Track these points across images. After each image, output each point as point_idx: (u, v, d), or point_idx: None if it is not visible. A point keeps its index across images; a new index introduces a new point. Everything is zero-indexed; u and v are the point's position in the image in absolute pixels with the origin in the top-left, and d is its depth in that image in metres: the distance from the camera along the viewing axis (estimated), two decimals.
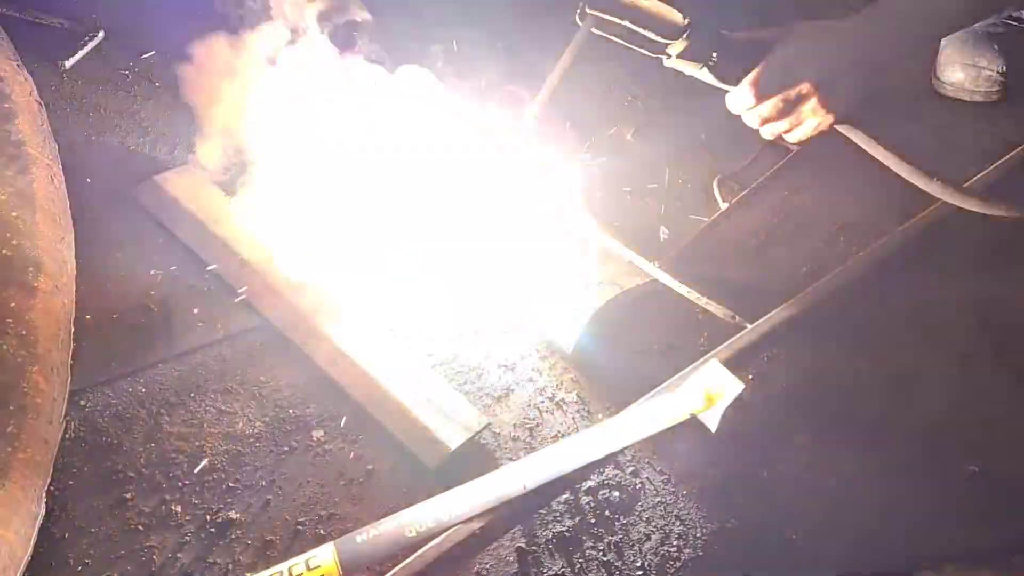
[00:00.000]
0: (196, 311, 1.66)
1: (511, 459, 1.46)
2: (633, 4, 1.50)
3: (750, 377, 1.57)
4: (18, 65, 1.99)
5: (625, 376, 1.56)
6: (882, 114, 1.59)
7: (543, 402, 1.56)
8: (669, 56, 1.53)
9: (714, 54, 1.53)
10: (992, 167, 1.86)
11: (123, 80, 2.16)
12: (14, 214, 1.68)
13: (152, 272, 1.72)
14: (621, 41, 1.54)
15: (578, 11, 1.53)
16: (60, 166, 1.84)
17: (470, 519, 1.32)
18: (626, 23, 1.49)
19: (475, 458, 1.46)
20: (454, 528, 1.30)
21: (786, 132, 1.56)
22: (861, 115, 1.51)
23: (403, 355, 1.58)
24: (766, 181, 1.90)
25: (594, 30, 1.54)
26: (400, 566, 1.26)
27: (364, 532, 1.30)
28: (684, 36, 1.49)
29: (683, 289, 1.66)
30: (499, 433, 1.51)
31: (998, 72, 2.12)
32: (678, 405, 1.44)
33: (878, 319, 1.69)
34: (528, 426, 1.53)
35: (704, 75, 1.56)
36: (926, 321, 1.69)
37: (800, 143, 1.58)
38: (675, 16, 1.51)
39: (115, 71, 2.18)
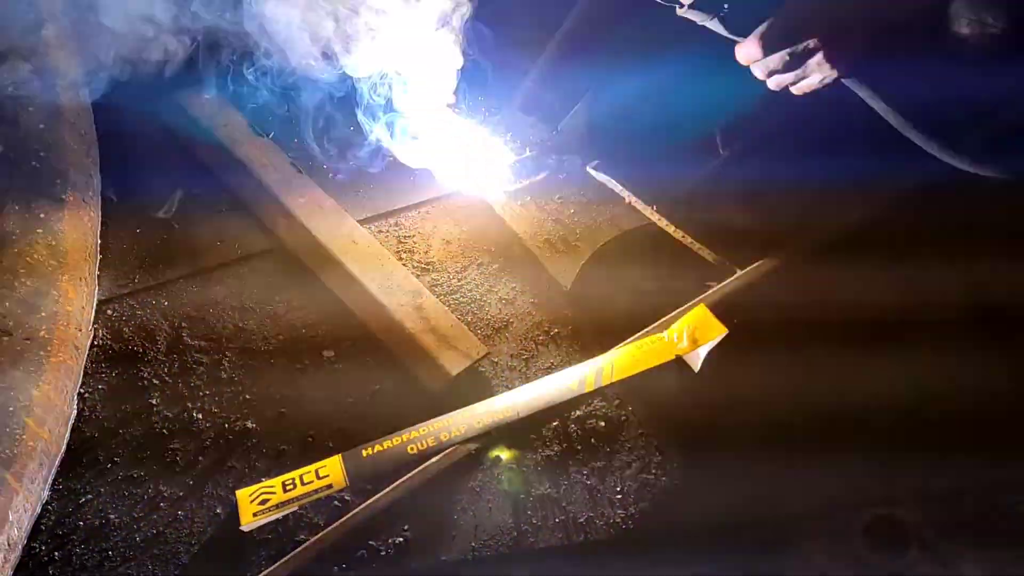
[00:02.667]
0: (215, 231, 1.75)
1: (507, 387, 1.56)
2: None
3: (735, 322, 1.66)
4: None
5: (618, 315, 1.66)
6: (889, 68, 1.63)
7: (539, 335, 1.66)
8: (682, 5, 1.57)
9: (726, 5, 1.56)
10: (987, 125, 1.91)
11: None
12: (40, 126, 1.74)
13: (173, 190, 1.79)
14: None
15: None
16: (86, 83, 1.89)
17: (467, 440, 1.44)
18: None
19: (473, 384, 1.57)
20: (453, 448, 1.43)
21: (792, 84, 1.61)
22: (867, 70, 1.56)
23: (410, 284, 1.67)
24: (767, 132, 1.95)
25: None
26: (402, 479, 1.39)
27: (369, 447, 1.43)
28: None
29: (678, 234, 1.75)
30: (497, 362, 1.62)
31: (1002, 29, 2.15)
32: (664, 345, 1.55)
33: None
34: (524, 357, 1.63)
35: (715, 26, 1.60)
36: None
37: (804, 94, 1.63)
38: None
39: None
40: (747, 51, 1.57)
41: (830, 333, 1.61)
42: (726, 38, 1.62)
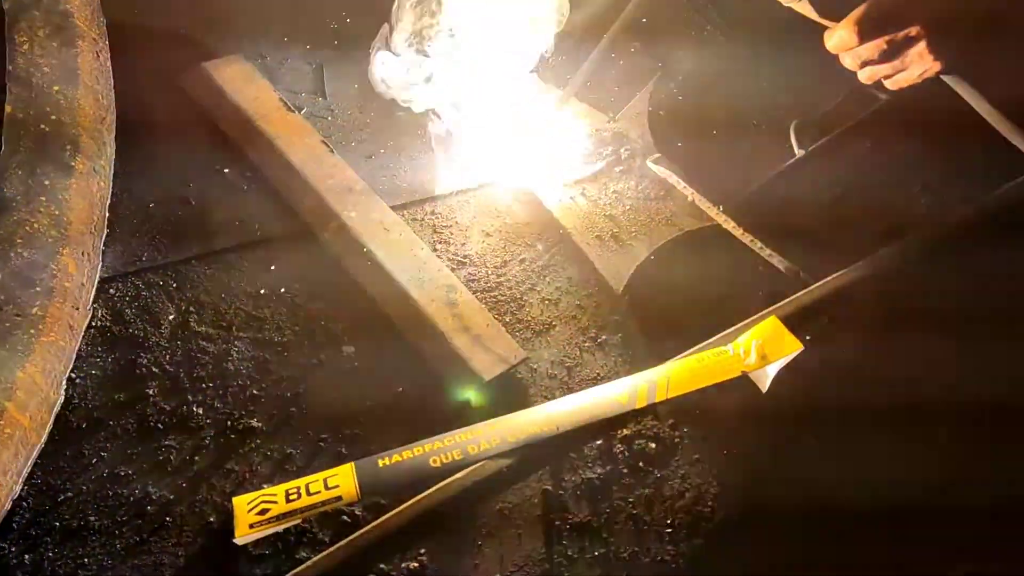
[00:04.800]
0: (235, 210, 1.59)
1: (546, 397, 1.39)
2: None
3: (808, 339, 1.46)
4: None
5: (676, 323, 1.47)
6: (999, 65, 1.44)
7: (585, 342, 1.48)
8: None
9: None
10: None
11: None
12: (55, 88, 1.61)
13: (193, 164, 1.64)
14: None
15: None
16: (107, 43, 1.76)
17: (498, 455, 1.26)
18: None
19: (509, 392, 1.39)
20: (481, 463, 1.25)
21: (886, 77, 1.42)
22: (970, 67, 1.37)
23: (444, 277, 1.50)
24: (849, 130, 1.75)
25: None
26: (420, 496, 1.21)
27: (386, 456, 1.25)
28: None
29: (746, 238, 1.56)
30: (536, 369, 1.44)
31: None
32: (729, 360, 1.36)
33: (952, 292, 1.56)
34: (567, 365, 1.45)
35: (804, 7, 1.42)
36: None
37: (900, 89, 1.44)
38: None
39: None
40: (839, 37, 1.39)
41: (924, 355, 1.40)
42: (814, 22, 1.44)
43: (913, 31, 1.33)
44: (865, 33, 1.36)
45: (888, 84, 1.45)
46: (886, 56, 1.38)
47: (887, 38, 1.35)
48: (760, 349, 1.34)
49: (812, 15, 1.43)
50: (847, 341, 1.46)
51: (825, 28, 1.39)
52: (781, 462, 1.35)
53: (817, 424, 1.38)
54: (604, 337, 1.49)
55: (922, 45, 1.34)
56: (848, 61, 1.42)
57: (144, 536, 1.19)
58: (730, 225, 1.57)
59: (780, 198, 1.67)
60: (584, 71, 1.67)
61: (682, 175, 1.66)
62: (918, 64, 1.37)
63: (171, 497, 1.23)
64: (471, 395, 1.37)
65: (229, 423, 1.32)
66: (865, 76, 1.44)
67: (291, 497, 1.19)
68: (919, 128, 1.74)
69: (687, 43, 1.77)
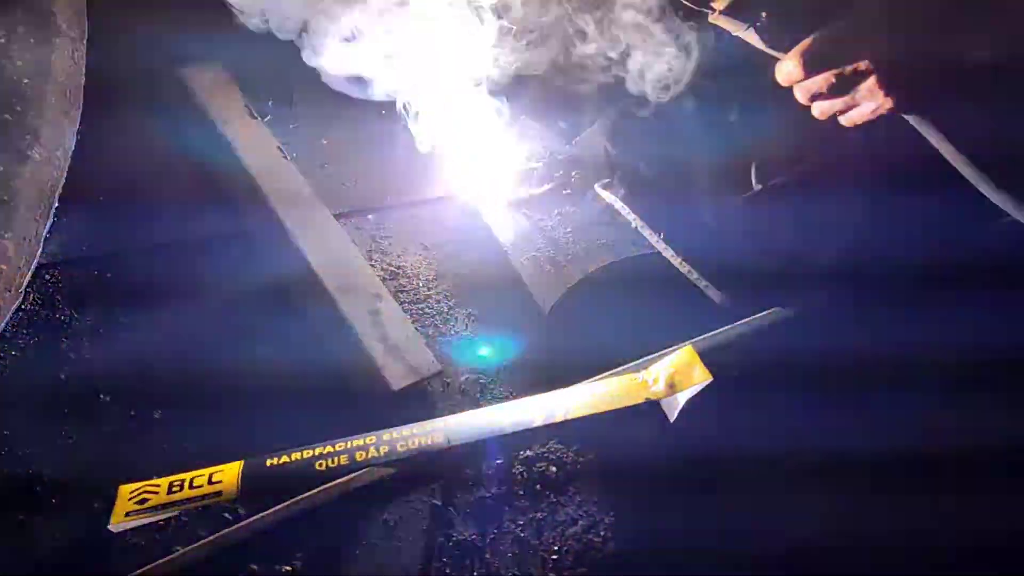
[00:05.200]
0: (184, 207, 1.62)
1: (453, 411, 1.36)
2: None
3: (736, 374, 1.41)
4: None
5: (598, 348, 1.44)
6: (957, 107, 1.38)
7: (504, 359, 1.46)
8: (713, 11, 1.38)
9: (764, 14, 1.36)
10: None
11: None
12: (26, 81, 1.66)
13: (150, 162, 1.68)
14: None
15: None
16: (85, 44, 1.82)
17: (386, 464, 1.24)
18: None
19: (417, 404, 1.38)
20: (365, 470, 1.23)
21: (840, 113, 1.38)
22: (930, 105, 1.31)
23: (373, 285, 1.50)
24: (812, 170, 1.70)
25: None
26: (298, 497, 1.20)
27: (275, 456, 1.25)
28: None
29: (684, 267, 1.53)
30: (449, 383, 1.42)
31: None
32: (636, 386, 1.32)
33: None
34: (482, 382, 1.43)
35: (751, 37, 1.40)
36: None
37: (856, 126, 1.39)
38: None
39: None
40: (786, 70, 1.35)
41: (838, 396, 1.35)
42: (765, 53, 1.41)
43: (861, 65, 1.29)
44: (811, 66, 1.32)
45: (842, 120, 1.40)
46: (835, 91, 1.33)
47: (835, 72, 1.31)
48: (669, 378, 1.31)
49: (761, 46, 1.40)
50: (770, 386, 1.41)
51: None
52: (684, 503, 1.30)
53: (728, 469, 1.32)
54: (525, 356, 1.46)
55: (872, 80, 1.29)
56: (798, 95, 1.39)
57: (25, 517, 1.20)
58: (669, 253, 1.54)
59: (729, 231, 1.63)
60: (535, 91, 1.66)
61: (630, 202, 1.64)
62: (869, 100, 1.33)
63: (62, 480, 1.24)
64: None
65: (134, 412, 1.33)
66: (817, 112, 1.40)
67: (173, 489, 1.20)
68: (886, 172, 1.69)
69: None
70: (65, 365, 1.37)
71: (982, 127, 1.37)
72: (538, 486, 1.30)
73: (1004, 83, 1.28)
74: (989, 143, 1.35)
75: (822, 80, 1.33)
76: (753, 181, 1.71)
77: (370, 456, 1.24)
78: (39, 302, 1.45)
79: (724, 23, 1.40)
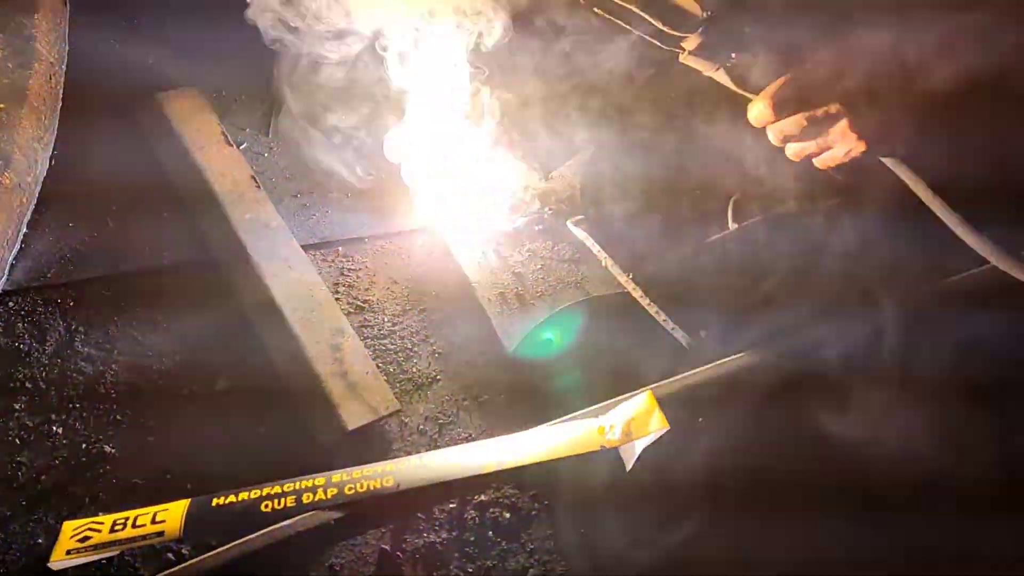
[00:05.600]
0: (150, 234, 1.61)
1: (408, 452, 1.34)
2: None
3: (700, 420, 1.38)
4: None
5: (559, 390, 1.42)
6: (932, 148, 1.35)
7: (465, 400, 1.44)
8: (683, 51, 1.36)
9: (733, 55, 1.35)
10: None
11: None
12: (1, 105, 1.67)
13: (121, 189, 1.67)
14: (631, 28, 1.37)
15: None
16: (64, 68, 1.82)
17: (333, 507, 1.22)
18: (632, 8, 1.33)
19: (373, 443, 1.36)
20: (312, 513, 1.21)
21: (813, 155, 1.36)
22: (904, 147, 1.29)
23: (335, 319, 1.48)
24: (788, 213, 1.67)
25: (597, 10, 1.37)
26: (241, 540, 1.18)
27: (222, 496, 1.23)
28: (699, 31, 1.32)
29: (652, 308, 1.50)
30: (407, 423, 1.40)
31: None
32: (593, 433, 1.30)
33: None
34: (440, 422, 1.41)
35: (722, 78, 1.38)
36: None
37: (831, 169, 1.37)
38: (692, 6, 1.33)
39: None
40: (757, 111, 1.34)
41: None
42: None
43: (832, 108, 1.27)
44: (781, 108, 1.31)
45: (816, 163, 1.39)
46: (808, 133, 1.32)
47: (806, 115, 1.29)
48: (627, 425, 1.29)
49: (731, 86, 1.38)
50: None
51: None
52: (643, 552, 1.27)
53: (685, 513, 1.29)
54: (486, 397, 1.45)
55: (844, 123, 1.28)
56: (771, 136, 1.37)
57: None
58: (638, 293, 1.52)
59: (701, 271, 1.60)
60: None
61: (602, 240, 1.62)
62: (842, 143, 1.31)
63: (7, 513, 1.23)
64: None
65: (84, 446, 1.31)
66: (790, 153, 1.38)
67: (116, 527, 1.19)
68: (863, 213, 1.65)
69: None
70: (21, 394, 1.36)
71: (956, 166, 1.34)
72: (490, 532, 1.28)
73: (978, 117, 1.26)
74: (964, 182, 1.33)
75: (793, 122, 1.31)
76: (729, 220, 1.69)
77: (318, 499, 1.22)
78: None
79: (694, 63, 1.38)
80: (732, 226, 1.66)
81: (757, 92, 1.34)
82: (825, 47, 1.28)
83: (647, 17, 1.33)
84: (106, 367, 1.41)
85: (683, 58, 1.38)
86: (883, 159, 1.33)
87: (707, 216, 1.69)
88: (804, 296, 1.51)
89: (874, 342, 1.45)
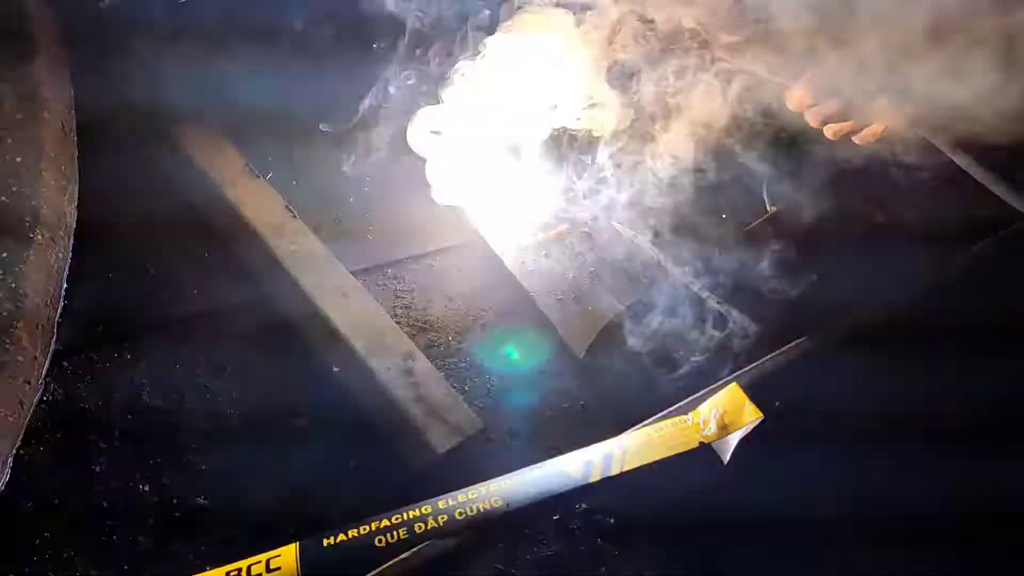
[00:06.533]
0: (194, 279, 1.58)
1: (503, 469, 1.34)
2: None
3: (776, 404, 1.41)
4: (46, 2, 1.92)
5: (637, 391, 1.43)
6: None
7: (545, 410, 1.45)
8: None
9: None
10: None
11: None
12: (18, 159, 1.61)
13: (153, 233, 1.62)
14: None
15: None
16: (74, 113, 1.77)
17: (445, 534, 1.22)
18: None
19: (464, 464, 1.35)
20: (427, 543, 1.21)
21: (852, 133, 1.40)
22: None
23: (403, 344, 1.47)
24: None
25: None
26: None
27: (332, 536, 1.22)
28: None
29: (712, 299, 1.53)
30: (493, 440, 1.40)
31: None
32: (688, 430, 1.32)
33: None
34: (525, 434, 1.41)
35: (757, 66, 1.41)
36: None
37: (868, 144, 1.41)
38: None
39: None
40: (797, 96, 1.37)
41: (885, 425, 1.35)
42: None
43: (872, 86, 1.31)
44: (822, 91, 1.34)
45: (856, 140, 1.42)
46: (845, 112, 1.36)
47: (843, 97, 1.33)
48: (720, 419, 1.31)
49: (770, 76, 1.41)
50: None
51: None
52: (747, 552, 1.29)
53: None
54: (565, 406, 1.46)
55: (882, 101, 1.32)
56: (809, 119, 1.41)
57: None
58: (696, 287, 1.54)
59: (749, 263, 1.63)
60: None
61: (648, 235, 1.63)
62: (879, 119, 1.35)
63: None
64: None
65: (175, 501, 1.29)
66: (830, 133, 1.42)
67: None
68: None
69: None
70: (99, 456, 1.32)
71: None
72: (599, 540, 1.29)
73: None
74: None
75: (833, 104, 1.35)
76: (767, 203, 1.72)
77: (429, 527, 1.22)
78: (61, 392, 1.40)
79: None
80: (771, 208, 1.70)
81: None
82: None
83: None
84: (179, 418, 1.39)
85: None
86: (921, 131, 1.38)
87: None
88: None
89: None
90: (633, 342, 1.51)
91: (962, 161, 1.38)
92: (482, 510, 1.23)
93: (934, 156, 1.41)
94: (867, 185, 1.65)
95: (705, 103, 1.55)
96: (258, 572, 1.17)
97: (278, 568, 1.18)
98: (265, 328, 1.52)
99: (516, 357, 1.52)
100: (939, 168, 1.45)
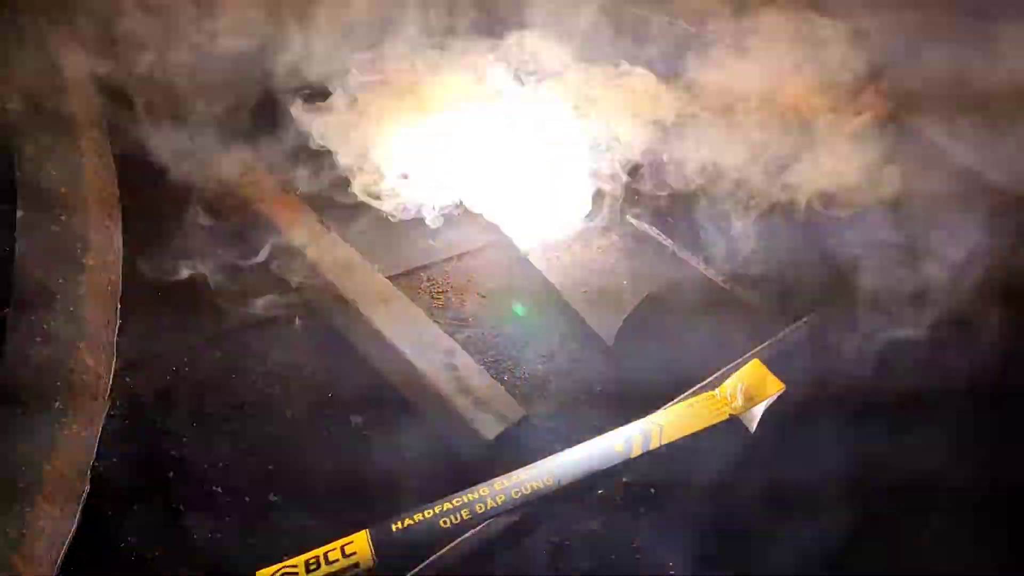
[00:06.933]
0: (241, 291, 1.67)
1: (547, 451, 1.44)
2: None
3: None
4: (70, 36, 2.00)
5: (665, 371, 1.54)
6: None
7: (581, 394, 1.55)
8: None
9: None
10: None
11: None
12: (63, 189, 1.70)
13: (197, 246, 1.71)
14: None
15: None
16: (107, 139, 1.85)
17: (505, 511, 1.32)
18: None
19: (511, 449, 1.45)
20: (488, 522, 1.31)
21: None
22: None
23: (444, 342, 1.58)
24: None
25: None
26: (433, 557, 1.27)
27: (399, 520, 1.32)
28: None
29: (727, 284, 1.65)
30: (536, 424, 1.50)
31: None
32: (717, 403, 1.43)
33: None
34: (564, 417, 1.52)
35: None
36: None
37: None
38: None
39: None
40: None
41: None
42: None
43: None
44: None
45: None
46: None
47: None
48: (746, 392, 1.42)
49: None
50: None
51: None
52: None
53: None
54: (599, 388, 1.56)
55: None
56: None
57: None
58: (711, 273, 1.65)
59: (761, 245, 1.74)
60: None
61: (662, 228, 1.75)
62: None
63: None
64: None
65: (248, 499, 1.38)
66: None
67: (311, 567, 1.26)
68: None
69: None
70: (170, 463, 1.41)
71: None
72: (642, 508, 1.39)
73: None
74: None
75: None
76: None
77: (489, 507, 1.32)
78: (126, 406, 1.49)
79: None
80: None
81: None
82: None
83: None
84: (243, 422, 1.48)
85: None
86: None
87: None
88: None
89: None
90: (659, 330, 1.62)
91: None
92: (535, 489, 1.34)
93: None
94: None
95: None
96: (335, 558, 1.28)
97: (353, 553, 1.28)
98: (312, 334, 1.63)
99: (548, 347, 1.62)
100: None
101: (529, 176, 1.81)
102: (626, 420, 1.45)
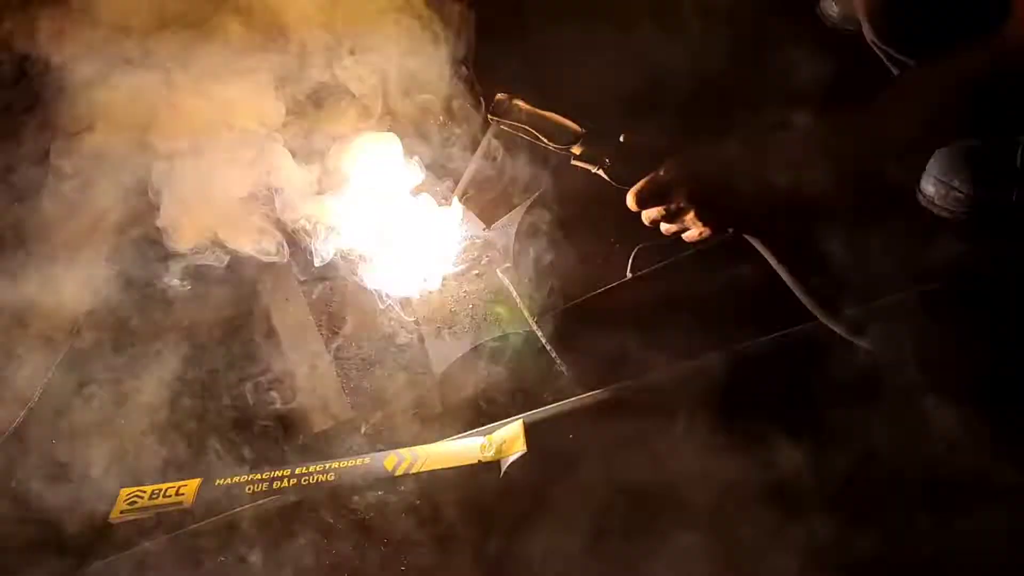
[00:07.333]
0: None
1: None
2: (534, 113, 1.74)
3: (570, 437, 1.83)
4: None
5: (470, 409, 1.92)
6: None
7: (407, 412, 1.97)
8: (573, 155, 1.75)
9: (607, 159, 1.72)
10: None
11: None
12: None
13: None
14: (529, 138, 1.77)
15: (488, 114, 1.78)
16: None
17: (293, 493, 1.80)
18: (526, 129, 1.74)
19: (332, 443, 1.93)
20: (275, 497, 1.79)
21: (677, 233, 1.74)
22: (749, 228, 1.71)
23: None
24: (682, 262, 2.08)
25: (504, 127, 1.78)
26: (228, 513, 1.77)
27: (225, 479, 1.82)
28: (579, 142, 1.71)
29: (548, 347, 1.98)
30: (358, 428, 1.95)
31: (967, 194, 2.06)
32: (473, 449, 1.80)
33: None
34: (383, 429, 1.95)
35: (602, 175, 1.76)
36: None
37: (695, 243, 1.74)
38: (571, 126, 1.73)
39: None
40: (629, 203, 1.71)
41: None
42: None
43: (681, 203, 1.64)
44: (643, 202, 1.68)
45: (685, 238, 1.77)
46: (668, 219, 1.70)
47: (662, 208, 1.68)
48: (499, 445, 1.78)
49: (611, 181, 1.77)
50: None
51: None
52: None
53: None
54: (417, 411, 1.97)
55: (691, 213, 1.66)
56: (644, 219, 1.75)
57: None
58: (539, 333, 1.99)
59: (597, 313, 2.05)
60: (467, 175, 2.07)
61: (525, 285, 2.09)
62: (694, 226, 1.69)
63: None
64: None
65: None
66: (662, 230, 1.76)
67: (154, 496, 1.79)
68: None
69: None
70: None
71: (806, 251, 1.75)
72: (403, 515, 1.81)
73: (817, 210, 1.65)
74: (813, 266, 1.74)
75: (654, 212, 1.70)
76: (628, 268, 2.10)
77: (282, 487, 1.79)
78: None
79: (581, 164, 1.78)
80: (628, 274, 2.09)
81: (629, 187, 1.73)
82: (673, 157, 1.66)
83: (537, 135, 1.74)
84: None
85: (573, 161, 1.77)
86: (749, 238, 1.72)
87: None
88: None
89: None
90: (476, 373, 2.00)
91: (772, 263, 1.72)
92: (322, 481, 1.79)
93: None
94: None
95: None
96: (171, 494, 1.79)
97: (184, 494, 1.79)
98: None
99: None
100: None
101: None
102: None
